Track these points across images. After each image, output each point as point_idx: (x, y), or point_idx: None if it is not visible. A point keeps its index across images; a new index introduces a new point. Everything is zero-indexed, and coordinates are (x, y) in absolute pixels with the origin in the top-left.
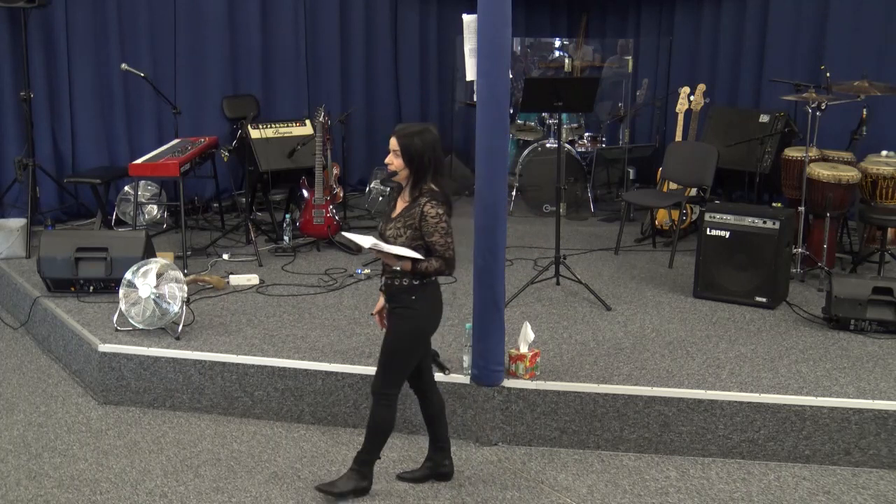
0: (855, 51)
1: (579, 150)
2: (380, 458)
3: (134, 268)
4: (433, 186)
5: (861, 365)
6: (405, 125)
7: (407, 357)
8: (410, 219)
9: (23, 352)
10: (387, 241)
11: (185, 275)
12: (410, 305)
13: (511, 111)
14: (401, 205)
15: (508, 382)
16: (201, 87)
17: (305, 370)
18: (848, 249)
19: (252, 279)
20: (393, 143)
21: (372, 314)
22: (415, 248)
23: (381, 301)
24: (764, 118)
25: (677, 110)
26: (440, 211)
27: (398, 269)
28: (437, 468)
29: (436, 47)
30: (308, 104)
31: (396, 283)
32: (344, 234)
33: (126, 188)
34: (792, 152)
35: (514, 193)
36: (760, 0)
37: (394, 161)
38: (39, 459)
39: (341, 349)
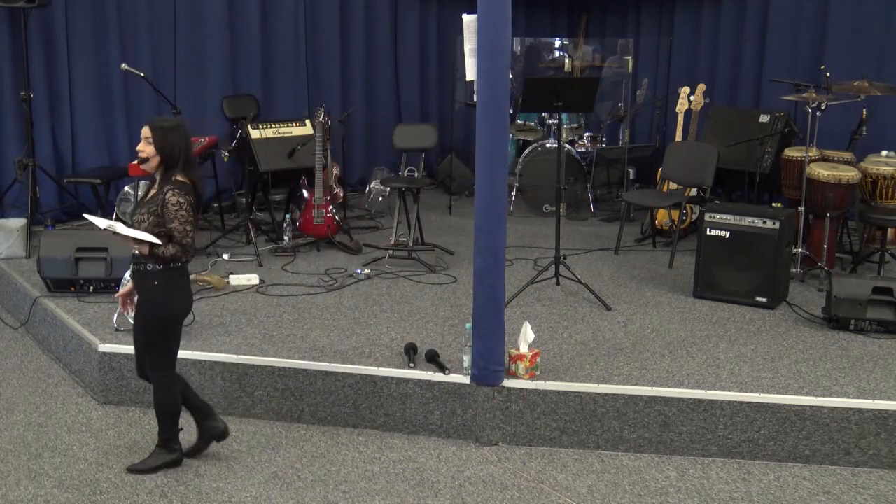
0: (855, 51)
1: (579, 150)
2: (181, 429)
3: None
4: (181, 178)
5: (861, 365)
6: (160, 117)
7: (162, 340)
8: (154, 205)
9: (23, 352)
10: (134, 227)
11: None
12: (153, 291)
13: (511, 111)
14: (154, 191)
15: (508, 382)
16: (201, 87)
17: (305, 370)
18: (848, 249)
19: (252, 279)
20: (146, 131)
21: (115, 296)
22: (157, 235)
23: (129, 286)
24: (764, 118)
25: (677, 110)
26: (181, 199)
27: (136, 251)
28: (212, 432)
29: (436, 47)
30: (308, 104)
31: (142, 269)
32: (87, 215)
33: (126, 188)
34: (792, 152)
35: (514, 193)
36: (760, 0)
37: (145, 148)
38: (39, 459)
39: (341, 349)
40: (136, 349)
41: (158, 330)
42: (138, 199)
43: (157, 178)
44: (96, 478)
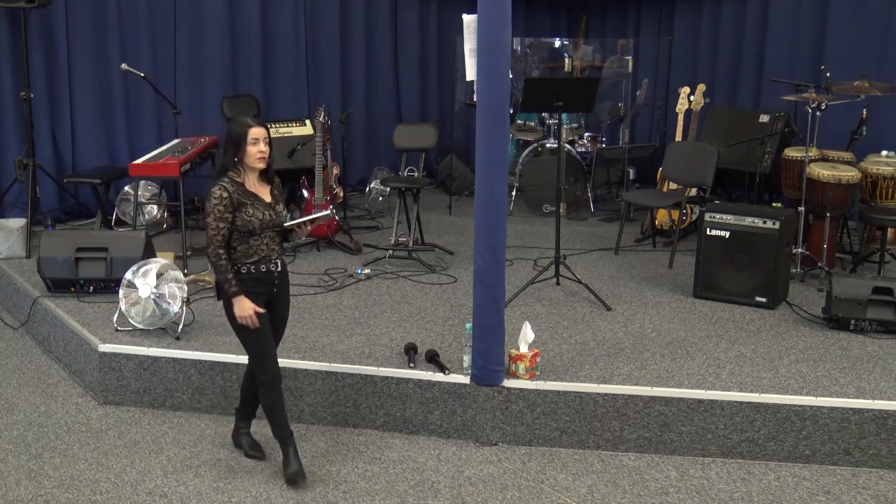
0: (855, 51)
1: (579, 150)
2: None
3: (134, 268)
4: None
5: (861, 365)
6: (254, 118)
7: None
8: (282, 199)
9: (23, 352)
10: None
11: (185, 275)
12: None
13: (511, 111)
14: (264, 190)
15: (508, 382)
16: (201, 87)
17: (305, 370)
18: (848, 249)
19: None
20: (263, 132)
21: (253, 315)
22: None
23: (248, 302)
24: (764, 118)
25: (677, 110)
26: None
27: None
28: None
29: (436, 47)
30: (308, 104)
31: (283, 262)
32: (299, 220)
33: (126, 188)
34: (792, 152)
35: (514, 193)
36: (760, 0)
37: (266, 149)
38: (39, 459)
39: (341, 349)
40: (271, 348)
41: None
42: (248, 201)
43: (262, 174)
44: (96, 478)
